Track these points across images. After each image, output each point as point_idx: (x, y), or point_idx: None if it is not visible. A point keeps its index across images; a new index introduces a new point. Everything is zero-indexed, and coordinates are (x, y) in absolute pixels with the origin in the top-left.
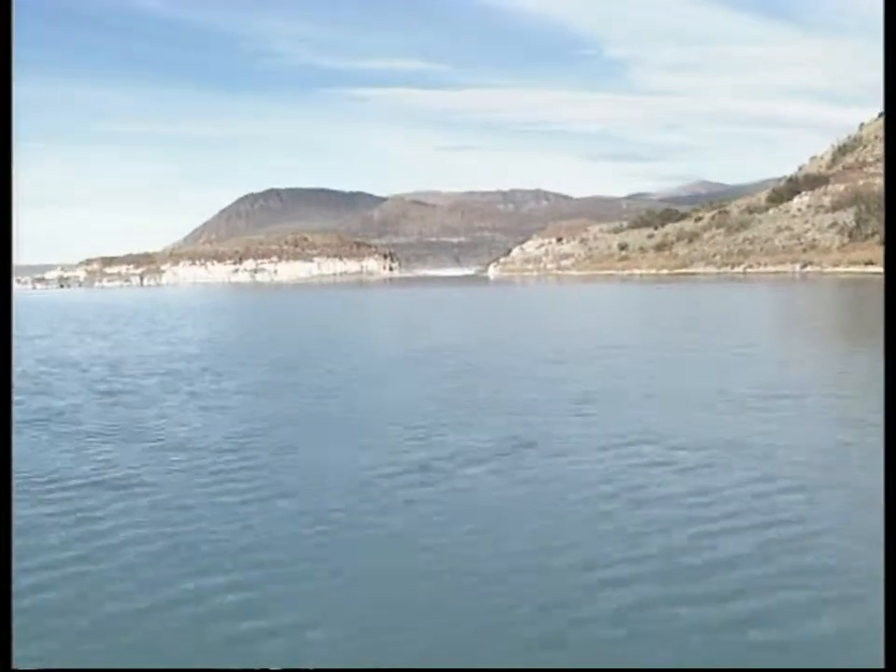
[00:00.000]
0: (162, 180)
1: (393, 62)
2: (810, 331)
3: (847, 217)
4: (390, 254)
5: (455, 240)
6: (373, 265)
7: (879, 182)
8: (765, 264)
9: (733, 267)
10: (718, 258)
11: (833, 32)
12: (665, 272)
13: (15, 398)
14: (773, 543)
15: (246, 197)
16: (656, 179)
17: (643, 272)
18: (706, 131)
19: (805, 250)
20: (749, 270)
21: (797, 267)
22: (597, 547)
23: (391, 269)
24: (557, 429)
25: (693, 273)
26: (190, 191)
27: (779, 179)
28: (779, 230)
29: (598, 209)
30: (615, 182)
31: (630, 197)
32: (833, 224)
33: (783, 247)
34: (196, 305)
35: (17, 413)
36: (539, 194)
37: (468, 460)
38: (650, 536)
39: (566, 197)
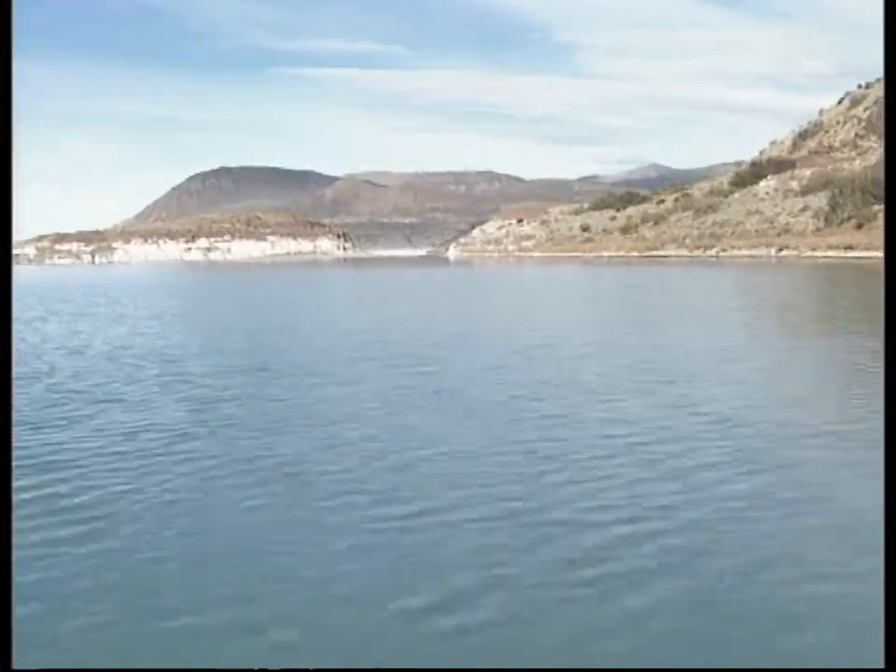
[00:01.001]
0: (113, 159)
1: (344, 43)
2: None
3: (819, 201)
4: (344, 234)
5: (406, 220)
6: (327, 245)
7: (848, 166)
8: (739, 248)
9: (705, 250)
10: (688, 240)
11: (776, 17)
12: (634, 254)
13: (91, 407)
14: None
15: (197, 175)
16: (606, 162)
17: (612, 254)
18: (653, 115)
19: (779, 234)
20: (721, 253)
21: (772, 251)
22: None
23: (345, 249)
24: None
25: (664, 256)
26: (141, 170)
27: (740, 163)
28: (749, 213)
29: (551, 191)
30: (566, 165)
31: (582, 179)
32: (805, 208)
33: (756, 231)
34: (174, 284)
35: (134, 443)
36: (491, 176)
37: None
38: None
39: (518, 179)
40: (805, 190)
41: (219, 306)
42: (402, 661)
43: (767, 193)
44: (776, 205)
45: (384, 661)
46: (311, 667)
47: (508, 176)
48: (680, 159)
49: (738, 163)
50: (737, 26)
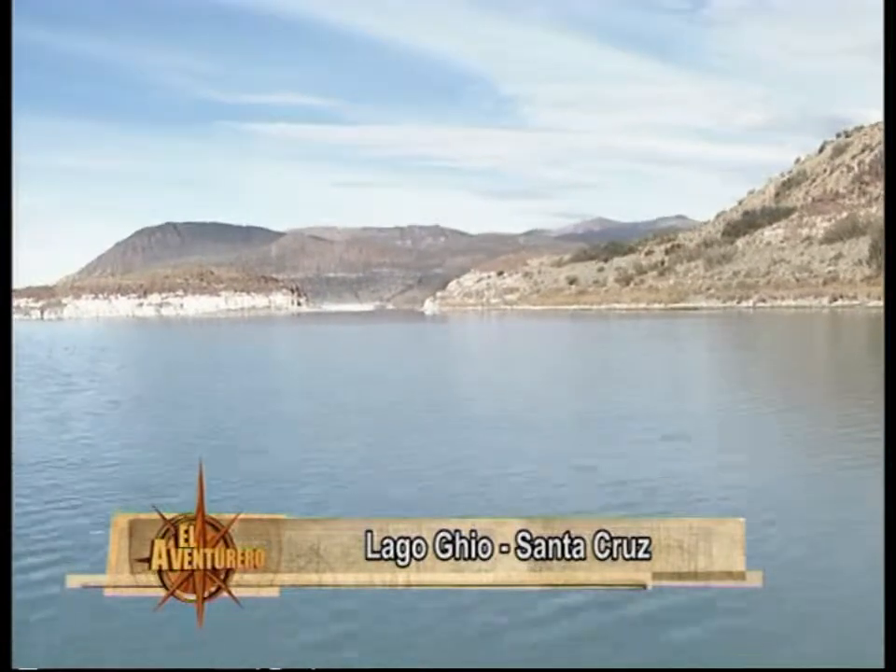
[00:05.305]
0: (53, 213)
1: (286, 97)
2: None
3: (853, 248)
4: (297, 288)
5: (353, 275)
6: (281, 300)
7: (864, 213)
8: (781, 298)
9: (739, 301)
10: (713, 290)
11: (713, 73)
12: (657, 306)
13: None
14: None
15: (143, 231)
16: (549, 215)
17: (627, 306)
18: (593, 167)
19: (824, 283)
20: (760, 304)
21: (824, 301)
22: None
23: (299, 304)
24: None
25: (694, 308)
26: (82, 225)
27: (682, 216)
28: (774, 262)
29: (496, 245)
30: (511, 219)
31: (527, 234)
32: (839, 255)
33: (797, 280)
34: (162, 342)
35: None
36: (436, 230)
37: None
38: None
39: (463, 233)
40: (832, 238)
41: (263, 367)
42: None
43: (781, 242)
44: (801, 253)
45: None
46: (311, 668)
47: (453, 231)
48: (623, 212)
49: (680, 216)
50: (674, 81)
